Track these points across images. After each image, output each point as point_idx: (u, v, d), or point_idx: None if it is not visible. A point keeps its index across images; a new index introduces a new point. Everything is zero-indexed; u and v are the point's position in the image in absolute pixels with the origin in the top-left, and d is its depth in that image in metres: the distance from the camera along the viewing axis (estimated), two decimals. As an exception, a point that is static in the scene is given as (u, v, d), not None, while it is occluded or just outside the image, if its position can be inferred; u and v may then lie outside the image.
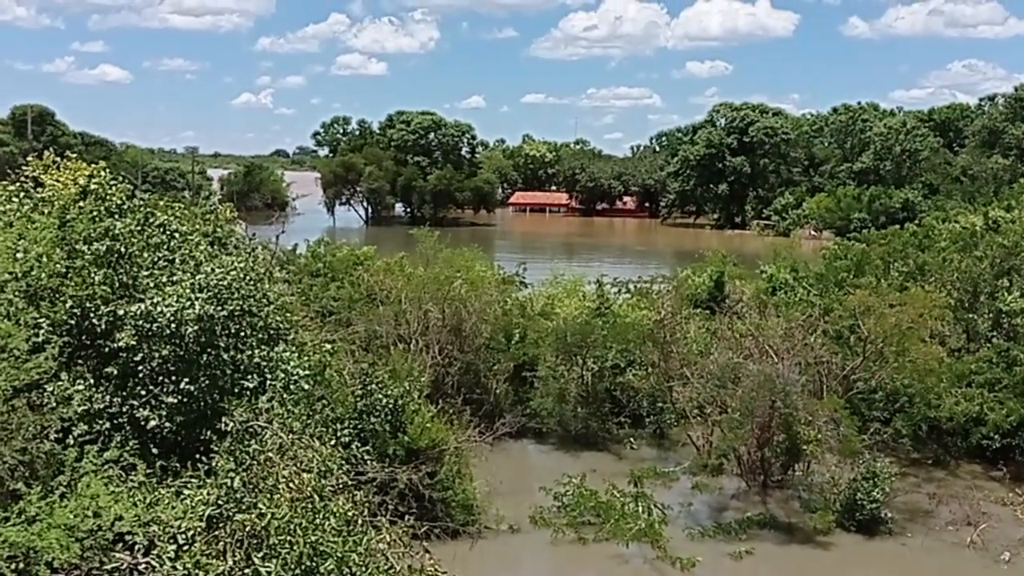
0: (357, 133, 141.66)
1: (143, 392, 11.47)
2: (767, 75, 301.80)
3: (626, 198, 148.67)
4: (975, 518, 18.71)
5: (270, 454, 10.52)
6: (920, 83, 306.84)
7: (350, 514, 10.26)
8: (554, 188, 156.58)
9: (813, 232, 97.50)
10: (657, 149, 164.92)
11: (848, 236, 45.29)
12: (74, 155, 17.80)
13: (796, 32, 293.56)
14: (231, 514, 9.77)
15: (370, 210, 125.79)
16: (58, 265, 11.95)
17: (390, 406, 16.49)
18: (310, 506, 9.98)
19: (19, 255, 11.81)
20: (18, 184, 14.77)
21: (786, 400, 19.01)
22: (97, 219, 12.64)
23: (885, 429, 21.83)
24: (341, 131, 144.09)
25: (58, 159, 17.35)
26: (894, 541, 18.20)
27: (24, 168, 16.69)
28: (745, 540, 17.82)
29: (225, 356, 12.09)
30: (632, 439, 23.84)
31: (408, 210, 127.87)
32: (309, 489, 10.17)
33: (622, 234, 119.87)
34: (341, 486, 10.93)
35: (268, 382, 12.25)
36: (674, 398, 23.34)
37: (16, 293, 11.48)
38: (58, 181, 16.06)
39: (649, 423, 24.42)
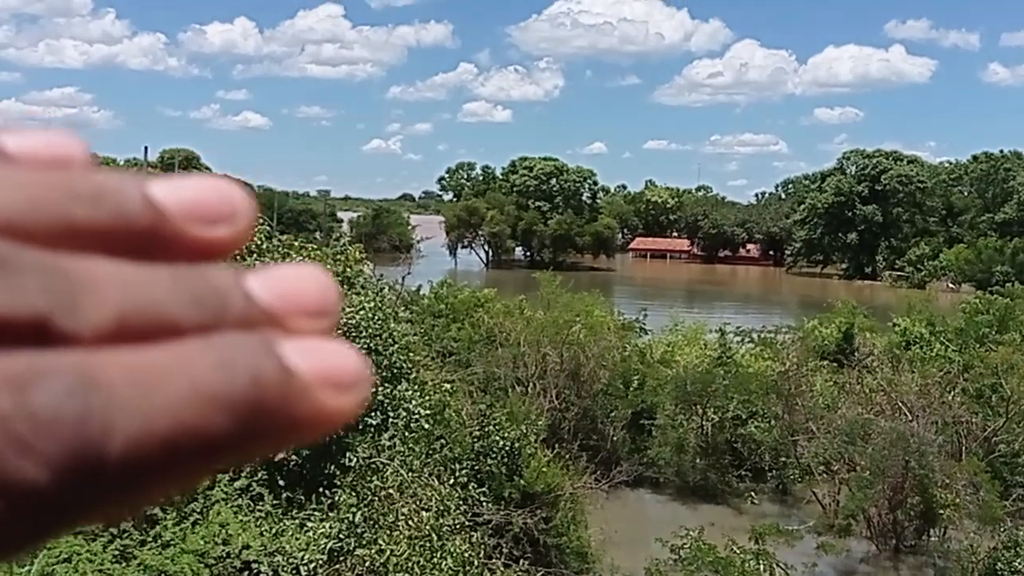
0: (481, 178, 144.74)
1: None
2: (901, 122, 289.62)
3: (749, 246, 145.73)
4: None
5: (391, 491, 10.71)
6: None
7: (467, 555, 10.32)
8: (675, 234, 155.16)
9: (951, 285, 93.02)
10: (783, 196, 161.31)
11: (990, 290, 42.89)
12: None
13: (932, 78, 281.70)
14: (352, 548, 9.97)
15: (490, 253, 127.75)
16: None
17: (507, 448, 16.53)
18: (428, 544, 10.09)
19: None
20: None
21: (921, 460, 18.09)
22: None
23: (1030, 496, 20.45)
24: (465, 176, 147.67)
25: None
26: (1041, 618, 16.93)
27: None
28: (874, 607, 16.94)
29: (350, 393, 12.42)
30: (753, 493, 23.08)
31: (528, 254, 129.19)
32: (427, 528, 10.29)
33: (745, 282, 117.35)
34: (458, 526, 11.02)
35: (390, 419, 12.51)
36: (798, 453, 22.52)
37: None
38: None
39: (771, 478, 23.61)
